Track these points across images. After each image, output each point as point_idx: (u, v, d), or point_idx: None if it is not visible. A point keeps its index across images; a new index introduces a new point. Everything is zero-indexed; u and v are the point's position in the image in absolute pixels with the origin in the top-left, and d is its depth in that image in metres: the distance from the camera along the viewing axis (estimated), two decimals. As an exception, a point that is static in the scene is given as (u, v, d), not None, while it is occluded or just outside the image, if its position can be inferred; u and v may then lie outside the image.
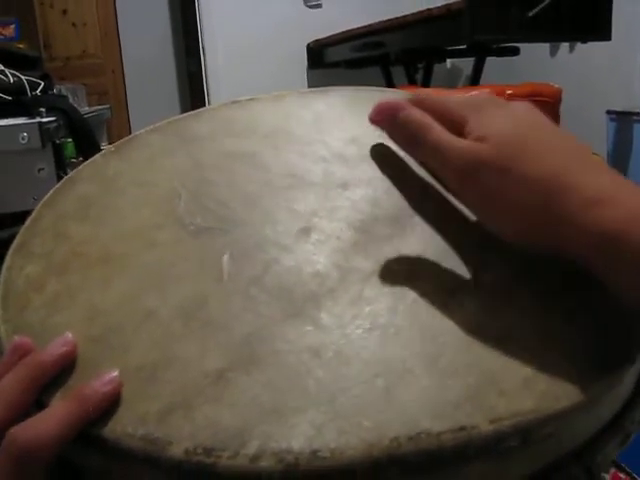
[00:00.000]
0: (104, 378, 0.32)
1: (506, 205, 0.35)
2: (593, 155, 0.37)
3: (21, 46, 2.29)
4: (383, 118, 0.40)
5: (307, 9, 3.98)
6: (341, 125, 0.46)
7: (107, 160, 0.47)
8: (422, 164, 0.41)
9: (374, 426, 0.29)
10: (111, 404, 0.31)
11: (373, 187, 0.42)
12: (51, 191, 0.45)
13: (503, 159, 0.35)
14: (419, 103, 0.41)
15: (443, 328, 0.34)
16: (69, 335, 0.34)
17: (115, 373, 0.32)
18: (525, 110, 0.38)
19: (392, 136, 0.40)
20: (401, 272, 0.37)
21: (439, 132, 0.37)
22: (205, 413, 0.30)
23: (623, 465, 1.10)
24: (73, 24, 4.51)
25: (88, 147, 1.66)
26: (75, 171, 0.47)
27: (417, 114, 0.38)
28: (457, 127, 0.38)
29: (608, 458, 0.33)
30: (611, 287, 0.32)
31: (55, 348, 0.33)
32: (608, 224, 0.31)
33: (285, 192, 0.43)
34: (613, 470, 1.08)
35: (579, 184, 0.33)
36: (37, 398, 0.32)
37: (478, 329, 0.34)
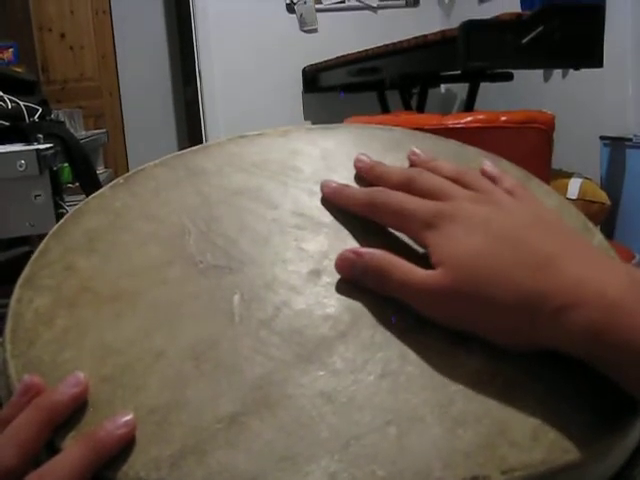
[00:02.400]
0: (119, 421, 0.31)
1: (478, 325, 0.35)
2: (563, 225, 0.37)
3: (19, 70, 2.30)
4: (344, 272, 0.39)
5: (302, 33, 4.01)
6: (349, 163, 0.46)
7: (115, 193, 0.47)
8: None
9: (387, 475, 0.29)
10: (125, 447, 0.31)
11: (383, 229, 0.42)
12: (59, 223, 0.45)
13: (462, 286, 0.35)
14: (374, 206, 0.41)
15: (453, 376, 0.34)
16: (81, 375, 0.33)
17: (130, 416, 0.32)
18: (485, 217, 0.38)
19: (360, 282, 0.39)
20: (411, 317, 0.37)
21: (400, 272, 0.37)
22: (218, 459, 0.30)
23: None
24: (71, 47, 4.54)
25: (84, 173, 1.67)
26: (83, 202, 0.47)
27: (374, 260, 0.38)
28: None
29: None
30: (617, 381, 0.32)
31: (67, 388, 0.33)
32: (586, 325, 0.31)
33: (294, 231, 0.43)
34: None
35: (547, 294, 0.33)
36: (49, 439, 0.32)
37: (487, 377, 0.34)
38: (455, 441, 0.30)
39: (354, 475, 0.29)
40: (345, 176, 0.46)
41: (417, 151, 0.46)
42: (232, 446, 0.30)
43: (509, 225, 0.37)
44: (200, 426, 0.31)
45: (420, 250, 0.40)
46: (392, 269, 0.37)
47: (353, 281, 0.39)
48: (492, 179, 0.44)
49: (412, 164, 0.46)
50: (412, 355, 0.35)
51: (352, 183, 0.45)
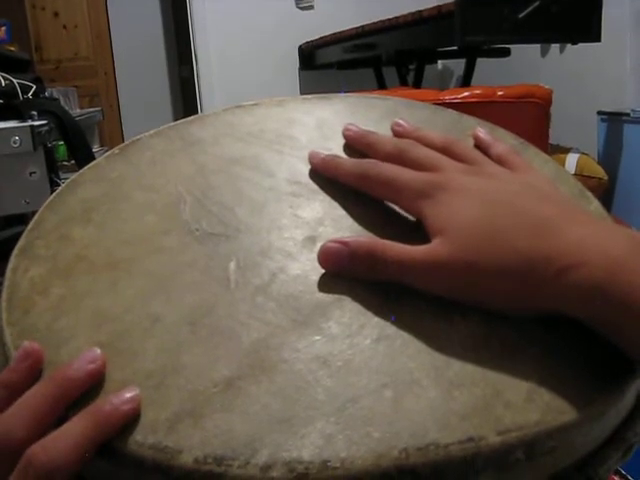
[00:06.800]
0: (124, 396, 0.31)
1: (481, 293, 0.35)
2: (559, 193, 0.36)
3: (12, 48, 2.28)
4: (330, 264, 0.37)
5: (299, 10, 3.98)
6: None
7: (110, 163, 0.47)
8: None
9: (383, 437, 0.29)
10: (130, 422, 0.30)
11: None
12: (54, 193, 0.45)
13: (463, 254, 0.35)
14: (366, 178, 0.41)
15: (449, 339, 0.34)
16: (97, 351, 0.33)
17: (136, 391, 0.31)
18: (478, 188, 0.38)
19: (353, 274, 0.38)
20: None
21: (395, 253, 0.36)
22: (215, 422, 0.30)
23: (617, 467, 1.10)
24: (64, 26, 4.50)
25: (80, 150, 1.66)
26: (78, 174, 0.46)
27: (364, 246, 0.37)
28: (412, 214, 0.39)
29: (610, 469, 0.33)
30: (617, 343, 0.32)
31: (83, 364, 0.32)
32: (589, 284, 0.31)
33: (290, 199, 0.43)
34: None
35: (550, 255, 0.33)
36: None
37: (482, 340, 0.34)
38: (451, 403, 0.31)
39: (350, 437, 0.29)
40: (341, 145, 0.46)
41: (401, 121, 0.46)
42: (228, 409, 0.31)
43: (502, 193, 0.37)
44: (197, 390, 0.31)
45: (415, 219, 0.40)
46: (386, 251, 0.36)
47: (339, 272, 0.37)
48: (484, 145, 0.44)
49: (396, 135, 0.45)
50: (408, 319, 0.35)
51: (348, 151, 0.45)
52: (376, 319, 0.35)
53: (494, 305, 0.35)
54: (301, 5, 3.99)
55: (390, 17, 2.80)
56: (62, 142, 1.67)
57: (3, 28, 2.53)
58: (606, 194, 2.58)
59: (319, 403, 0.31)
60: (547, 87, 2.05)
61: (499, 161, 0.41)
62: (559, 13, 2.21)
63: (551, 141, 2.18)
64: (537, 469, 0.30)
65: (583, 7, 2.25)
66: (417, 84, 2.96)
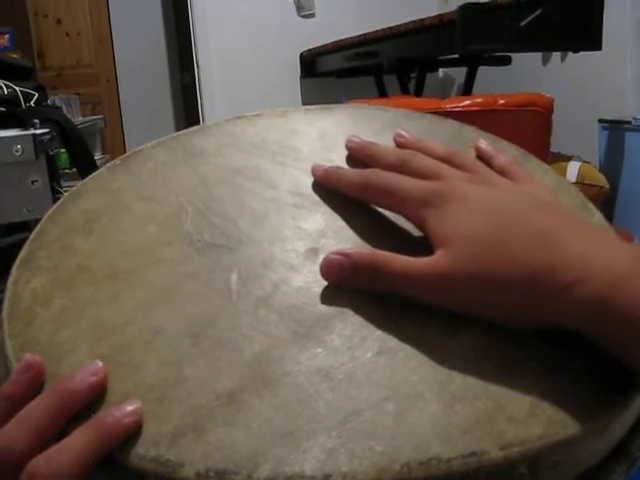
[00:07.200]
0: (126, 409, 0.31)
1: (485, 305, 0.34)
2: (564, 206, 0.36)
3: (15, 56, 2.29)
4: (332, 276, 0.37)
5: (300, 18, 4.00)
6: None
7: (112, 174, 0.47)
8: None
9: (385, 450, 0.29)
10: (132, 435, 0.30)
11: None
12: (56, 204, 0.45)
13: (467, 266, 0.34)
14: (369, 188, 0.41)
15: (451, 352, 0.34)
16: (99, 364, 0.33)
17: (138, 404, 0.31)
18: (482, 197, 0.37)
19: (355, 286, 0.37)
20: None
21: (398, 264, 0.36)
22: (217, 435, 0.30)
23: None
24: (67, 34, 4.52)
25: (82, 158, 1.66)
26: (80, 184, 0.46)
27: (365, 258, 0.37)
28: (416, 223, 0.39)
29: None
30: (620, 357, 0.32)
31: (85, 377, 0.32)
32: (593, 299, 0.31)
33: (292, 210, 0.42)
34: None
35: (555, 269, 0.33)
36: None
37: (484, 353, 0.34)
38: (453, 417, 0.30)
39: (352, 450, 0.29)
40: (343, 156, 0.46)
41: (403, 133, 0.46)
42: (231, 423, 0.30)
43: (505, 203, 0.37)
44: (199, 403, 0.31)
45: (416, 233, 0.40)
46: (388, 263, 0.36)
47: (341, 284, 0.37)
48: (487, 157, 0.44)
49: (399, 146, 0.45)
50: (410, 332, 0.35)
51: (350, 163, 0.45)
52: (378, 332, 0.35)
53: (497, 317, 0.34)
54: (302, 13, 4.01)
55: (391, 25, 2.80)
56: (64, 150, 1.67)
57: (6, 36, 2.53)
58: (607, 202, 2.58)
59: (321, 417, 0.31)
60: (548, 95, 2.05)
61: (501, 172, 0.41)
62: (560, 21, 2.21)
63: (552, 149, 2.18)
64: None
65: (584, 15, 2.25)
66: (418, 92, 2.96)
